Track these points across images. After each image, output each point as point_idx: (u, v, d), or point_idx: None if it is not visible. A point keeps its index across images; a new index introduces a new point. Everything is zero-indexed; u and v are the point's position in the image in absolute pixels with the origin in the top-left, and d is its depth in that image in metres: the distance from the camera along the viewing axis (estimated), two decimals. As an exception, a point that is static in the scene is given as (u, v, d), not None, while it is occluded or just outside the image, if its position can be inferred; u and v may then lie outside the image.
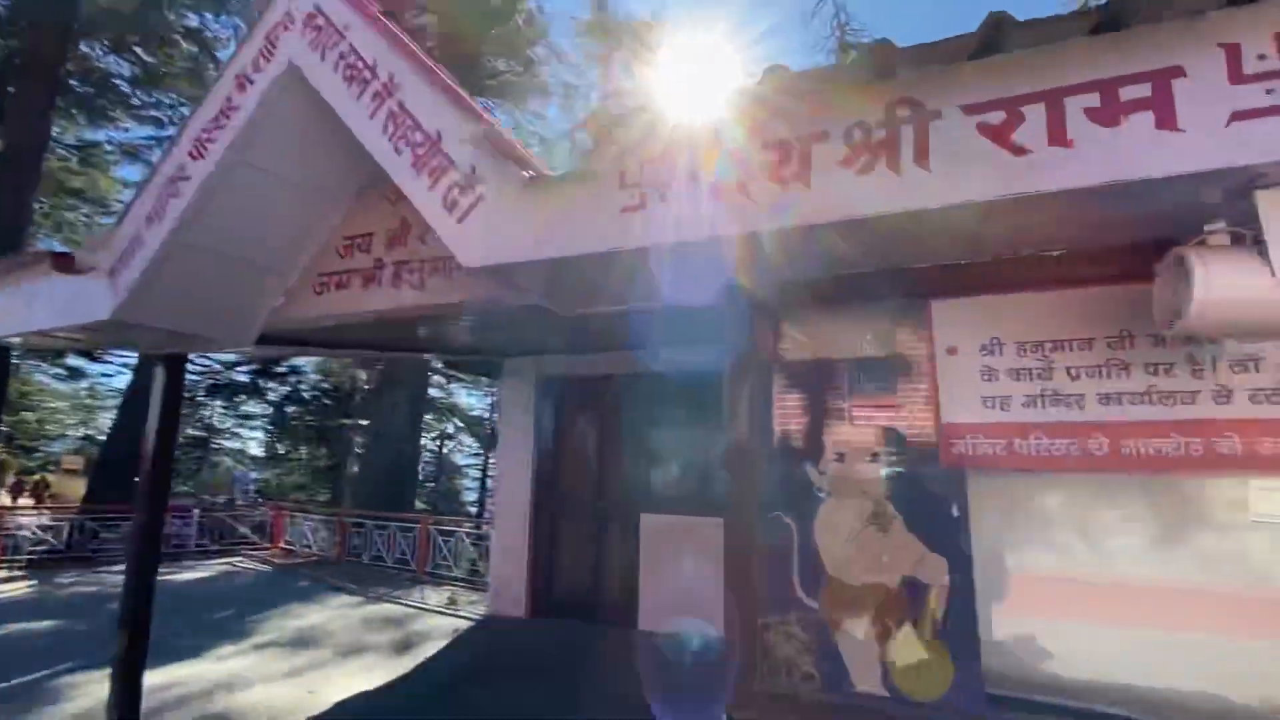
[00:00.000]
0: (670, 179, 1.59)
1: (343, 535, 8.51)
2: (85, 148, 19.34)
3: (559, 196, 1.74)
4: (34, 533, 8.23)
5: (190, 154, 2.40)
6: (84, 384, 32.38)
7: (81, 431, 39.72)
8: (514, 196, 1.78)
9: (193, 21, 16.23)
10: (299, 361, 20.43)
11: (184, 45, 16.70)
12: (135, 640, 3.15)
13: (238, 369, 22.32)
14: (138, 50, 18.39)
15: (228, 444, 38.66)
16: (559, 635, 5.04)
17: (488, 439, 35.22)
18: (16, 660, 4.54)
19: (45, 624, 5.47)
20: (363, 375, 21.17)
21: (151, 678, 4.20)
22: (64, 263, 2.54)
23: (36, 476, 18.91)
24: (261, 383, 20.21)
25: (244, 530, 9.59)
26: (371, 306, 2.68)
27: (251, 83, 2.35)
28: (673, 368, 5.23)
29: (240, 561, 8.72)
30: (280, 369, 19.72)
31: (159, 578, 7.70)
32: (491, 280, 2.12)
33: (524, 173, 1.78)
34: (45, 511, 10.71)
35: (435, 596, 6.54)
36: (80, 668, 4.35)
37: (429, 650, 4.80)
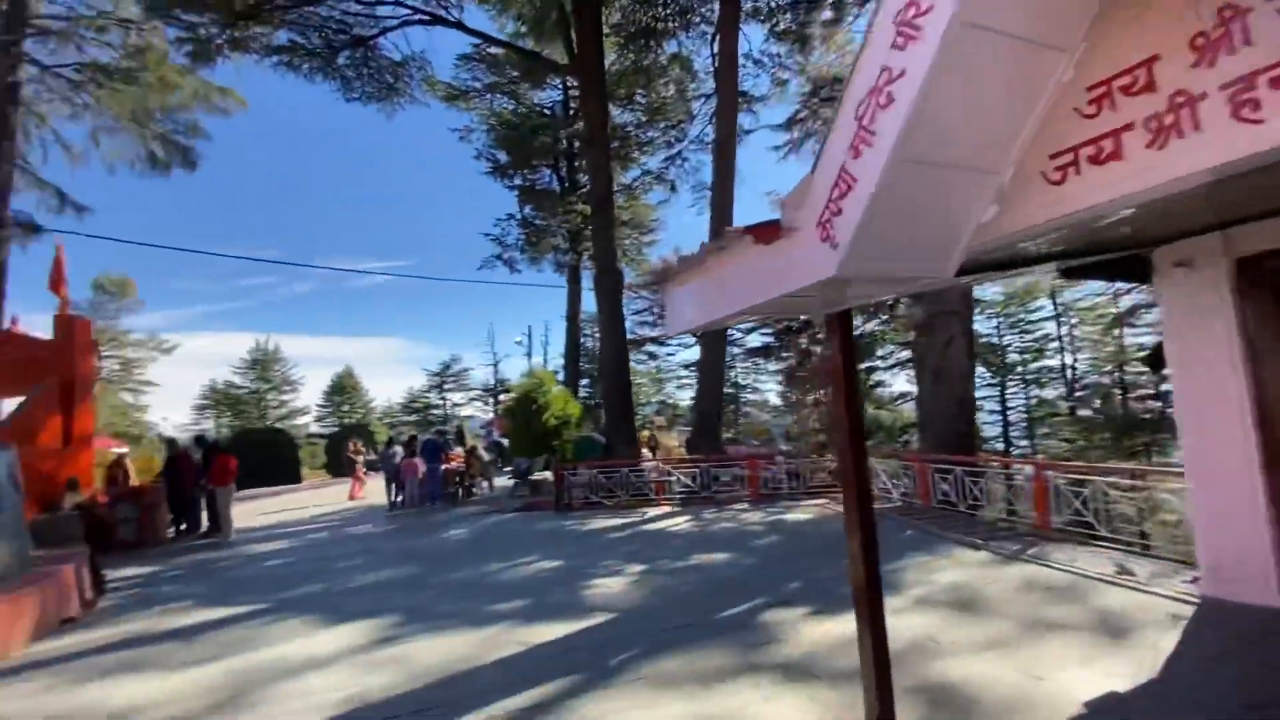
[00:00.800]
0: None
1: (925, 481, 8.11)
2: (626, 188, 25.30)
3: None
4: (678, 477, 10.74)
5: (896, 43, 1.90)
6: (653, 364, 43.42)
7: (658, 397, 53.31)
8: None
9: (672, 47, 18.85)
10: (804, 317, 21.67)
11: (672, 70, 19.60)
12: (870, 578, 3.02)
13: (756, 333, 25.73)
14: (638, 98, 22.89)
15: (751, 397, 45.61)
16: None
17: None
18: (725, 591, 5.51)
19: (720, 556, 6.70)
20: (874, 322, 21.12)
21: (833, 626, 4.43)
22: (768, 233, 2.46)
23: (646, 434, 25.87)
24: (781, 340, 22.28)
25: (821, 474, 10.36)
26: (1179, 173, 1.69)
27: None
28: None
29: (828, 504, 9.39)
30: (794, 325, 21.35)
31: (771, 516, 8.92)
32: None
33: None
34: (657, 459, 14.32)
35: (1089, 560, 5.27)
36: (775, 603, 4.95)
37: (1156, 641, 3.62)
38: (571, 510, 10.79)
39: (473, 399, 53.77)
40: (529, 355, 39.00)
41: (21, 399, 10.06)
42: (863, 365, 27.34)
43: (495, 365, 44.88)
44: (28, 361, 10.50)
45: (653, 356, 37.42)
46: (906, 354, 28.04)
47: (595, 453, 14.63)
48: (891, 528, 7.41)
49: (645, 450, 22.51)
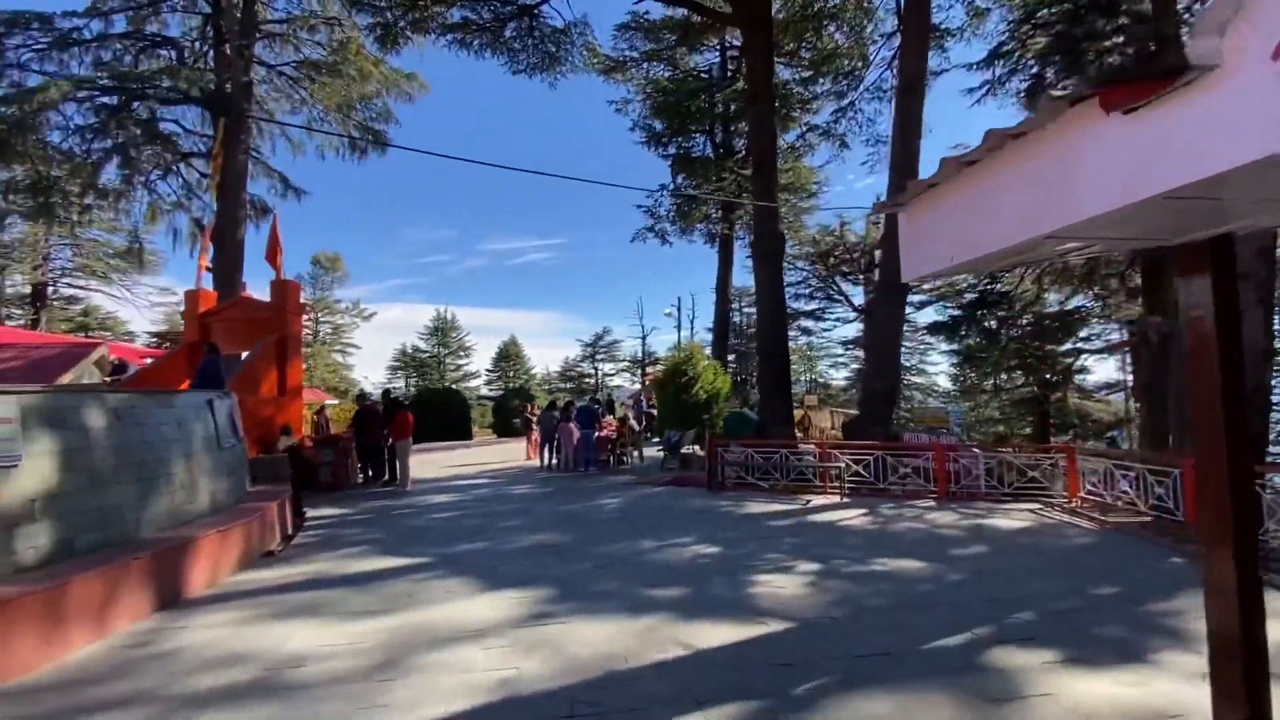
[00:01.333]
0: None
1: (1193, 492, 6.24)
2: (786, 149, 23.60)
3: None
4: (847, 464, 9.57)
5: None
6: (804, 339, 41.14)
7: (809, 375, 50.75)
8: None
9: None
10: (1004, 286, 18.76)
11: (845, 13, 17.59)
12: (1250, 634, 1.97)
13: (932, 308, 22.99)
14: (802, 52, 21.06)
15: (915, 379, 41.54)
16: None
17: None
18: (929, 611, 4.51)
19: (912, 565, 5.61)
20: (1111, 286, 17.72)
21: (1105, 686, 3.26)
22: (1138, 90, 1.48)
23: (799, 412, 24.39)
24: (966, 315, 19.52)
25: (1032, 474, 8.60)
26: None
27: None
28: None
29: (1043, 511, 7.73)
30: (990, 296, 18.58)
31: (968, 520, 7.52)
32: None
33: None
34: (811, 440, 13.09)
35: None
36: (1002, 638, 3.85)
37: None
38: (724, 489, 10.14)
39: (621, 370, 55.40)
40: (678, 328, 38.86)
41: (246, 353, 11.57)
42: (1062, 347, 23.25)
43: (643, 338, 45.49)
44: (253, 321, 12.08)
45: (807, 332, 35.30)
46: (1119, 334, 23.41)
47: (747, 430, 13.80)
48: (1148, 552, 5.77)
49: (797, 430, 21.16)
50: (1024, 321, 21.38)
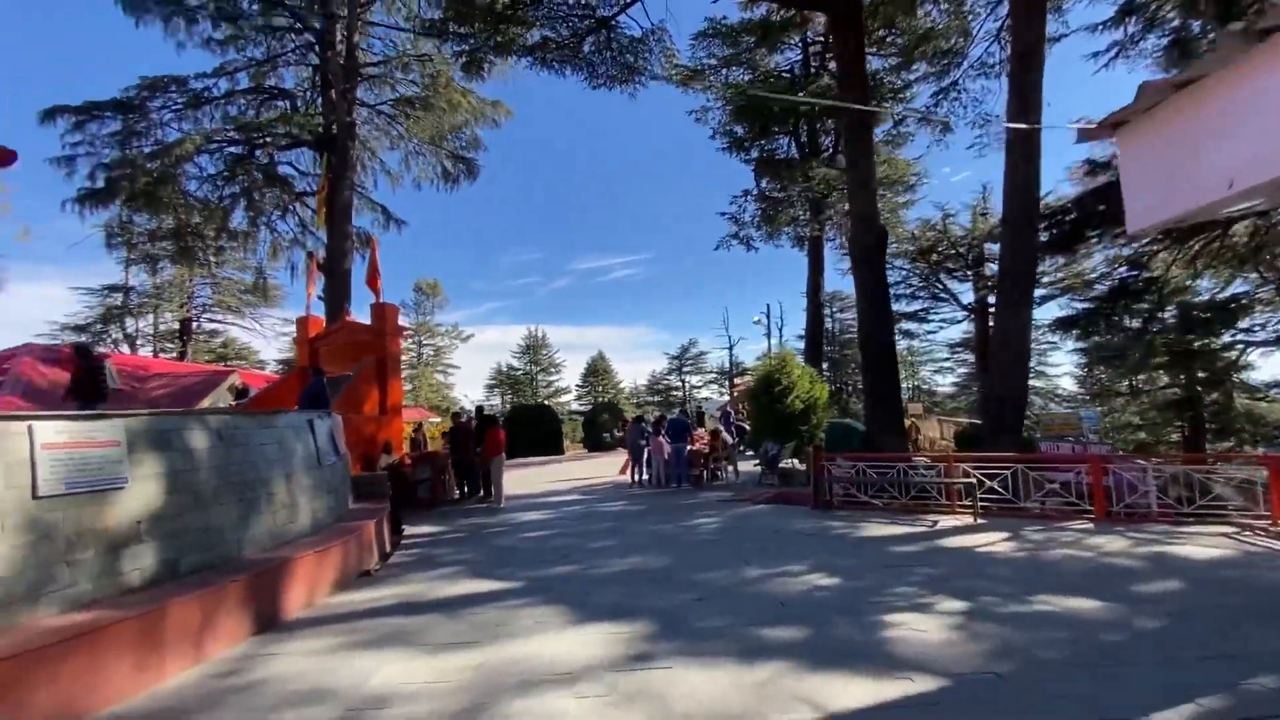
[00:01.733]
0: None
1: None
2: (881, 141, 22.20)
3: None
4: (978, 479, 8.40)
5: None
6: (904, 344, 38.47)
7: (910, 383, 47.48)
8: None
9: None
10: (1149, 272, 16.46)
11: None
12: None
13: (1055, 303, 20.66)
14: (891, 41, 19.81)
15: (1033, 383, 37.66)
16: None
17: None
18: (1127, 669, 3.58)
19: (1084, 604, 4.59)
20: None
21: None
22: None
23: (907, 421, 22.54)
24: (1100, 309, 17.29)
25: (1219, 490, 7.12)
26: None
27: None
28: None
29: (1241, 536, 6.31)
30: (1132, 284, 16.36)
31: (1143, 546, 6.27)
32: None
33: None
34: (924, 454, 11.68)
35: None
36: (1243, 716, 2.92)
37: None
38: (832, 508, 9.25)
39: (709, 381, 54.52)
40: (767, 336, 37.64)
41: (348, 373, 12.05)
42: (1219, 341, 20.01)
43: (730, 348, 44.46)
44: (356, 344, 12.61)
45: (909, 335, 32.93)
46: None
47: (853, 442, 12.73)
48: None
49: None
50: (1165, 313, 18.63)
